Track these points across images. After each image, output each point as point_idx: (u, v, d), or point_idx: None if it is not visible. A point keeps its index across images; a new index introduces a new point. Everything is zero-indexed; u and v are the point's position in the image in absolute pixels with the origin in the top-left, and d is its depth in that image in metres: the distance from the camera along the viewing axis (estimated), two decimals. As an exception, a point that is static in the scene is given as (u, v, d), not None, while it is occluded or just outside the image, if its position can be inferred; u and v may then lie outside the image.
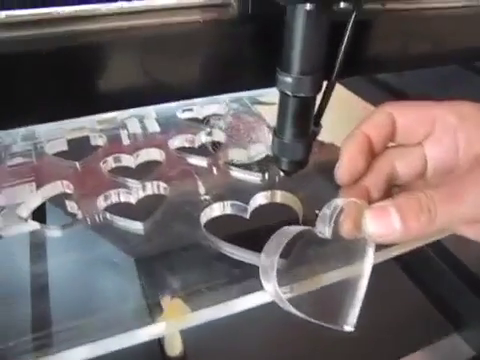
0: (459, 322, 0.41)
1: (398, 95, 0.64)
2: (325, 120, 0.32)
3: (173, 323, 0.26)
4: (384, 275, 0.31)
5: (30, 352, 0.24)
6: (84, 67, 0.31)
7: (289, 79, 0.29)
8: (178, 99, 0.35)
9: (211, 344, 0.40)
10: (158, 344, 0.54)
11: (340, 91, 0.53)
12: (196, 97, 0.37)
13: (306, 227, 0.24)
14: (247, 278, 0.28)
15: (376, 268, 0.24)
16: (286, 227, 0.24)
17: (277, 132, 0.32)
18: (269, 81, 0.30)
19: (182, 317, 0.26)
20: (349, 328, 0.23)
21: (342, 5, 0.28)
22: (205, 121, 0.46)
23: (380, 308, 0.35)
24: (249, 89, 0.35)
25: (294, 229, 0.23)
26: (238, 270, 0.29)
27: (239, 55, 0.32)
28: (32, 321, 0.26)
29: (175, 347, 0.54)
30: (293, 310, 0.22)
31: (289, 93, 0.29)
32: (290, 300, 0.22)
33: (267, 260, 0.23)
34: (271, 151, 0.32)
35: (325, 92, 0.32)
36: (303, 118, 0.31)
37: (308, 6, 0.26)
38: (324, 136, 0.43)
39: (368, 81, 0.66)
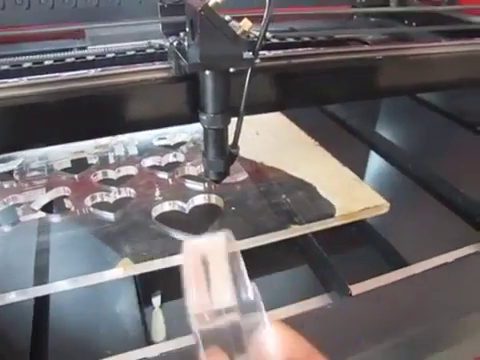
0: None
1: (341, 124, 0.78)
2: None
3: (122, 270, 0.41)
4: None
5: (31, 285, 0.40)
6: (82, 110, 0.47)
7: (205, 117, 0.45)
8: (142, 129, 0.51)
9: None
10: (143, 330, 0.67)
11: (279, 120, 0.69)
12: (155, 128, 0.52)
13: None
14: (175, 250, 0.43)
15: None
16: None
17: (204, 153, 0.47)
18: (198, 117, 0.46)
19: (128, 267, 0.41)
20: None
21: (232, 70, 0.43)
22: (174, 146, 0.63)
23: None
24: (185, 123, 0.51)
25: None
26: (170, 244, 0.44)
27: (179, 100, 0.48)
28: (35, 268, 0.41)
29: (159, 332, 0.67)
30: None
31: (206, 126, 0.45)
32: None
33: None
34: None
35: (237, 124, 0.47)
36: (218, 143, 0.46)
37: (207, 72, 0.42)
38: (255, 156, 0.58)
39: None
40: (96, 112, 0.47)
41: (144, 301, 0.70)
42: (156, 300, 0.70)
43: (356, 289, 0.42)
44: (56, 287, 0.40)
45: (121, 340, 0.46)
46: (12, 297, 0.39)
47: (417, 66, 0.63)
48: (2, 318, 0.42)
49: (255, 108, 0.51)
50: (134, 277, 0.73)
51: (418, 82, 0.63)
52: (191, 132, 0.64)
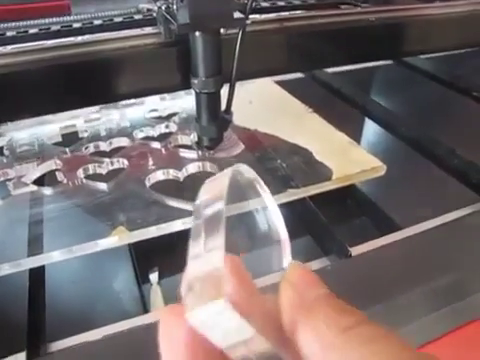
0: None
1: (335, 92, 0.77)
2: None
3: (117, 238, 0.40)
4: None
5: (25, 257, 0.39)
6: (69, 78, 0.46)
7: (196, 81, 0.44)
8: (133, 97, 0.50)
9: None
10: (142, 306, 0.67)
11: (272, 88, 0.68)
12: (146, 95, 0.51)
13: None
14: (170, 217, 0.43)
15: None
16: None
17: (196, 119, 0.47)
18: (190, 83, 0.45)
19: (123, 235, 0.41)
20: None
21: (223, 31, 0.42)
22: (167, 117, 0.61)
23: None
24: (177, 90, 0.50)
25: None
26: (165, 211, 0.43)
27: (170, 66, 0.47)
28: (29, 239, 0.41)
29: (158, 306, 0.67)
30: None
31: (198, 90, 0.44)
32: None
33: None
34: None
35: (229, 89, 0.47)
36: (211, 107, 0.46)
37: (197, 33, 0.40)
38: (249, 124, 0.57)
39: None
40: (84, 80, 0.46)
41: (142, 278, 0.70)
42: (154, 276, 0.71)
43: (355, 251, 0.42)
44: (50, 257, 0.39)
45: (120, 316, 0.45)
46: (6, 269, 0.38)
47: (411, 28, 0.62)
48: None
49: (247, 73, 0.50)
50: (131, 254, 0.73)
51: (412, 45, 0.62)
52: (182, 106, 0.63)
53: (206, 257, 0.17)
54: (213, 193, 0.19)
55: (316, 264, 0.42)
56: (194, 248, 0.17)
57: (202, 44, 0.41)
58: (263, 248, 0.23)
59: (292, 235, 0.48)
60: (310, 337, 0.15)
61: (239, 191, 0.23)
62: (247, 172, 0.23)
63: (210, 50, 0.42)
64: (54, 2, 0.62)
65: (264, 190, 0.24)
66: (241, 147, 0.53)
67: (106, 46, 0.45)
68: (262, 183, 0.24)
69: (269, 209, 0.23)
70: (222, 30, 0.43)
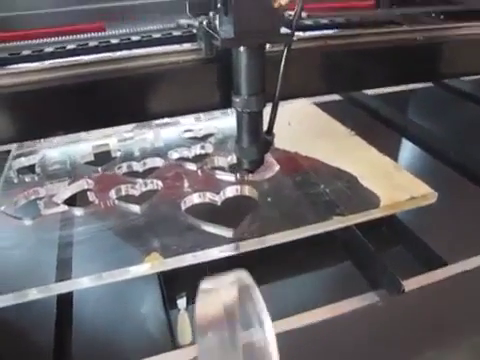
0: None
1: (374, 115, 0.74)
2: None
3: (150, 265, 0.38)
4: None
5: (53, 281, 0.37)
6: (105, 94, 0.44)
7: (238, 99, 0.41)
8: (171, 115, 0.48)
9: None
10: (169, 332, 0.64)
11: (311, 109, 0.65)
12: (185, 114, 0.49)
13: None
14: (207, 244, 0.40)
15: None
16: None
17: (237, 140, 0.44)
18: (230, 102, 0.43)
19: (156, 262, 0.38)
20: None
21: (268, 46, 0.40)
22: (202, 138, 0.59)
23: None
24: (216, 109, 0.47)
25: None
26: (201, 237, 0.41)
27: (211, 83, 0.45)
28: (57, 261, 0.38)
29: (186, 335, 0.64)
30: None
31: (240, 109, 0.41)
32: None
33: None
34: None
35: (272, 109, 0.44)
36: (253, 128, 0.43)
37: (241, 48, 0.38)
38: (289, 146, 0.54)
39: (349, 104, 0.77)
40: (121, 97, 0.44)
41: (169, 303, 0.67)
42: (182, 302, 0.67)
43: (408, 286, 0.38)
44: (79, 284, 0.37)
45: (147, 343, 0.42)
46: (33, 294, 0.36)
47: (461, 48, 0.58)
48: (24, 316, 0.39)
49: (289, 93, 0.47)
50: (159, 277, 0.70)
51: (463, 65, 0.59)
52: (219, 126, 0.61)
53: None
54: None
55: (364, 300, 0.39)
56: None
57: (246, 60, 0.39)
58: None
59: (335, 266, 0.45)
60: None
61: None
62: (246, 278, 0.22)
63: (254, 67, 0.40)
64: (90, 24, 0.61)
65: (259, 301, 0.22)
66: (277, 167, 0.50)
67: (144, 62, 0.44)
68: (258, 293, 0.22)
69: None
70: (267, 46, 0.40)
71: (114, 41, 0.51)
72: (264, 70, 0.41)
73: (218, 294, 0.20)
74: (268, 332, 0.21)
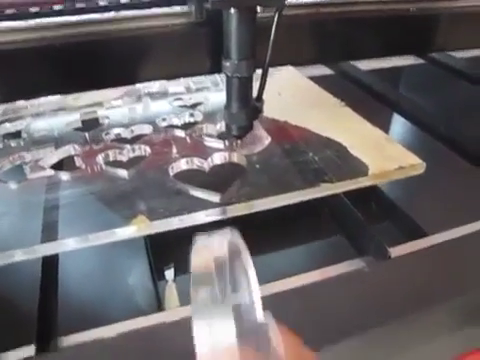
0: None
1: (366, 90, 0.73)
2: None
3: (137, 227, 0.38)
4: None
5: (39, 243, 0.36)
6: (94, 56, 0.44)
7: (228, 64, 0.41)
8: (160, 78, 0.47)
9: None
10: (157, 303, 0.64)
11: (302, 81, 0.64)
12: (174, 77, 0.48)
13: None
14: (194, 208, 0.40)
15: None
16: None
17: (226, 106, 0.44)
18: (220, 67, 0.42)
19: (143, 225, 0.38)
20: None
21: (259, 11, 0.39)
22: (191, 106, 0.59)
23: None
24: (206, 73, 0.47)
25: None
26: (189, 202, 0.40)
27: (200, 47, 0.44)
28: (43, 224, 0.38)
29: (173, 305, 0.64)
30: None
31: (229, 74, 0.41)
32: None
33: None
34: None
35: (262, 75, 0.43)
36: (242, 93, 0.42)
37: (232, 10, 0.37)
38: (279, 115, 0.54)
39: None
40: (108, 59, 0.43)
41: (157, 274, 0.67)
42: (169, 273, 0.67)
43: (394, 253, 0.38)
44: (65, 245, 0.37)
45: (133, 313, 0.42)
46: (19, 255, 0.36)
47: (455, 21, 0.58)
48: (8, 278, 0.39)
49: (278, 60, 0.47)
50: (147, 248, 0.70)
51: (456, 39, 0.59)
52: (208, 97, 0.60)
53: None
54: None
55: (350, 265, 0.39)
56: None
57: (237, 23, 0.38)
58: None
59: (323, 233, 0.45)
60: None
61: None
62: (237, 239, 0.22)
63: (245, 30, 0.39)
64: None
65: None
66: (268, 139, 0.50)
67: (132, 24, 0.43)
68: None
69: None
70: (258, 10, 0.40)
71: (102, 3, 0.50)
72: (255, 34, 0.40)
73: (212, 250, 0.20)
74: (254, 288, 0.21)
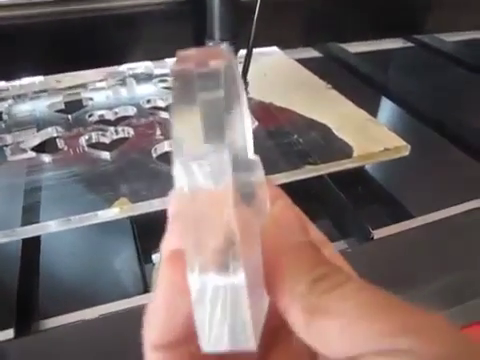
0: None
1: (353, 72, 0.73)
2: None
3: (119, 209, 0.37)
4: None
5: (20, 225, 0.36)
6: (84, 34, 0.43)
7: (211, 44, 0.40)
8: (143, 59, 0.46)
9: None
10: (143, 286, 0.64)
11: (288, 63, 0.64)
12: (155, 59, 0.47)
13: None
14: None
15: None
16: None
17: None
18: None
19: (125, 206, 0.37)
20: None
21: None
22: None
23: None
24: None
25: None
26: (171, 184, 0.40)
27: (184, 27, 0.44)
28: (24, 207, 0.37)
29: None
30: None
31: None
32: None
33: None
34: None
35: (246, 55, 0.43)
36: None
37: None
38: (264, 97, 0.53)
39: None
40: (87, 39, 0.42)
41: (144, 257, 0.67)
42: (156, 257, 0.67)
43: (377, 235, 0.38)
44: (46, 227, 0.36)
45: (119, 295, 0.42)
46: (-2, 237, 0.35)
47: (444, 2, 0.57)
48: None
49: (262, 41, 0.46)
50: (133, 232, 0.69)
51: (444, 21, 0.58)
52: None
53: None
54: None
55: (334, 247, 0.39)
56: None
57: (220, 2, 0.38)
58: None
59: (307, 215, 0.44)
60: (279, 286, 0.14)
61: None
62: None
63: (228, 11, 0.38)
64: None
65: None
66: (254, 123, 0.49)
67: (114, 3, 0.42)
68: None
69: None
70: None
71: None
72: (238, 15, 0.39)
73: None
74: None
